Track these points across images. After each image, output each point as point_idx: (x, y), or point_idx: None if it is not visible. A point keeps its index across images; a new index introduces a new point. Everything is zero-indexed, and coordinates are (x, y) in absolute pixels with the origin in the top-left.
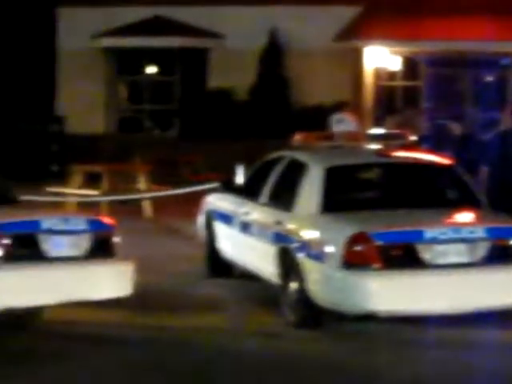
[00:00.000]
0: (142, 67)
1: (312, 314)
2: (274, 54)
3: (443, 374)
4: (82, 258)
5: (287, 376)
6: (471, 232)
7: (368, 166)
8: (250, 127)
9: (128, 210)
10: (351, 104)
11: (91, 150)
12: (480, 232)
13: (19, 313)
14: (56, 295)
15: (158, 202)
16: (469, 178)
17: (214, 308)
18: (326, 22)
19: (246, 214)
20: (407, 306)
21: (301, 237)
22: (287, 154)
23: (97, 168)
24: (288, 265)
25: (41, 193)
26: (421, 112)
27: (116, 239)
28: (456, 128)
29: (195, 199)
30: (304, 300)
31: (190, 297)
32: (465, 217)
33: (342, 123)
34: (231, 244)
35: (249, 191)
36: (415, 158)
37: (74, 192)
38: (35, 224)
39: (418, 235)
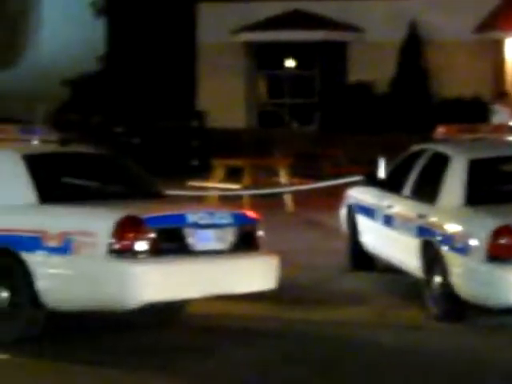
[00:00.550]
0: (282, 61)
1: (456, 308)
2: (413, 46)
3: None
4: (227, 251)
5: (428, 369)
6: None
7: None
8: (390, 120)
9: (269, 203)
10: (508, 95)
11: (231, 145)
12: None
13: (163, 307)
14: (201, 289)
15: (298, 196)
16: None
17: (356, 301)
18: (466, 14)
19: (389, 207)
20: None
21: (444, 230)
22: (430, 146)
23: (238, 162)
24: (431, 258)
25: (182, 187)
26: None
27: (260, 233)
28: None
29: (336, 193)
30: (448, 293)
31: (332, 290)
32: None
33: (498, 114)
34: (374, 237)
35: (391, 184)
36: None
37: (216, 186)
38: (181, 218)
39: None
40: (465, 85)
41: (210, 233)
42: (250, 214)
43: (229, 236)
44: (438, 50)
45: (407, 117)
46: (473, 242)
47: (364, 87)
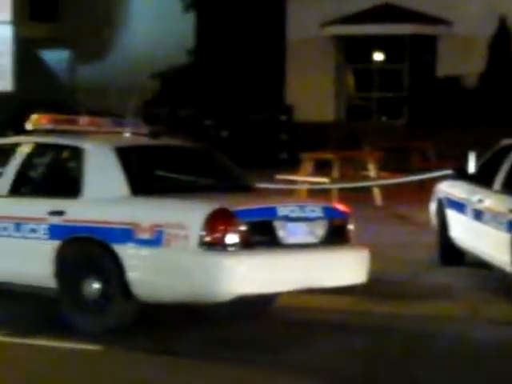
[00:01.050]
0: (371, 55)
1: None
2: (503, 41)
3: None
4: (318, 245)
5: None
6: None
7: None
8: (480, 114)
9: (357, 197)
10: None
11: (320, 138)
12: None
13: (253, 300)
14: (291, 282)
15: (387, 190)
16: None
17: (445, 296)
18: None
19: (479, 201)
20: None
21: None
22: None
23: (327, 155)
24: None
25: (271, 180)
26: None
27: (351, 226)
28: None
29: (425, 187)
30: None
31: (421, 285)
32: None
33: None
34: (463, 232)
35: (482, 178)
36: None
37: (305, 179)
38: (272, 211)
39: None
40: None
41: (301, 226)
42: (341, 207)
43: (319, 229)
44: None
45: (497, 111)
46: None
47: (453, 81)
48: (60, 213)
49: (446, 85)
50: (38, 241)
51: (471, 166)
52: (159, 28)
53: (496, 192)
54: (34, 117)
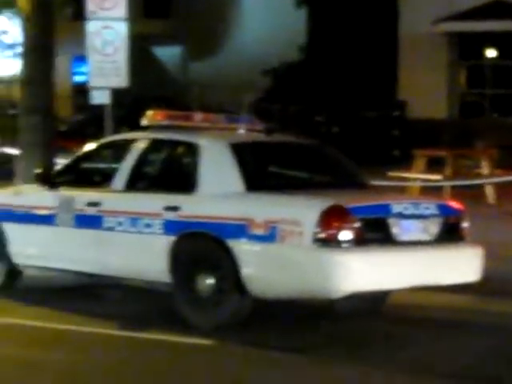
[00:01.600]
0: (484, 51)
1: None
2: None
3: None
4: (432, 242)
5: None
6: None
7: None
8: None
9: (470, 194)
10: None
11: (432, 135)
12: None
13: (367, 296)
14: (406, 280)
15: (500, 187)
16: None
17: None
18: None
19: None
20: None
21: None
22: None
23: (440, 153)
24: None
25: (383, 177)
26: None
27: (465, 224)
28: None
29: None
30: None
31: None
32: None
33: None
34: None
35: None
36: None
37: (417, 176)
38: (386, 208)
39: None
40: None
41: (415, 223)
42: (455, 204)
43: (434, 227)
44: None
45: None
46: None
47: None
48: (175, 208)
49: None
50: (153, 236)
51: None
52: (271, 24)
53: None
54: (150, 113)
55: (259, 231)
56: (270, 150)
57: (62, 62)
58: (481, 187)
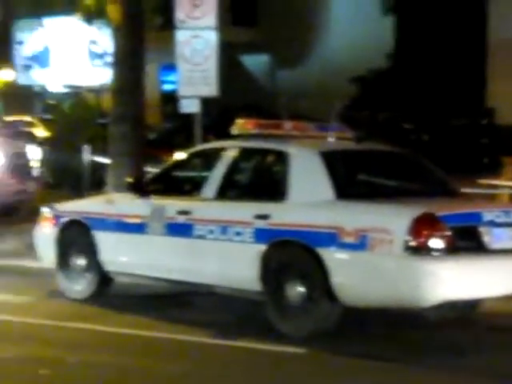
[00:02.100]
0: None
1: None
2: None
3: None
4: None
5: None
6: None
7: None
8: None
9: None
10: None
11: None
12: None
13: (457, 305)
14: (497, 288)
15: None
16: None
17: None
18: None
19: None
20: None
21: None
22: None
23: None
24: None
25: (473, 185)
26: None
27: None
28: None
29: None
30: None
31: None
32: None
33: None
34: None
35: None
36: None
37: (507, 184)
38: (477, 216)
39: None
40: None
41: (507, 231)
42: None
43: None
44: None
45: None
46: None
47: None
48: (265, 216)
49: None
50: (243, 244)
51: None
52: (358, 32)
53: None
54: (240, 122)
55: (349, 239)
56: (359, 158)
57: (150, 71)
58: None
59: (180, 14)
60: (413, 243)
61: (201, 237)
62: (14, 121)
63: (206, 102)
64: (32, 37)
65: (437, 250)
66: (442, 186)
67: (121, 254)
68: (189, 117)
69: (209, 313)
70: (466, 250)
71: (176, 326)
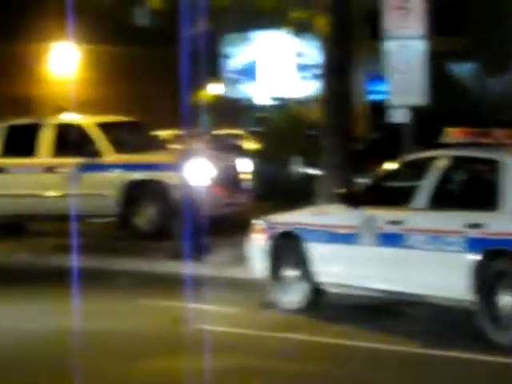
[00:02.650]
0: None
1: None
2: None
3: None
4: None
5: None
6: None
7: None
8: None
9: None
10: None
11: None
12: None
13: None
14: None
15: None
16: None
17: None
18: None
19: None
20: None
21: None
22: None
23: None
24: None
25: None
26: None
27: None
28: None
29: None
30: None
31: None
32: None
33: None
34: None
35: None
36: None
37: None
38: None
39: None
40: None
41: None
42: None
43: None
44: None
45: None
46: None
47: None
48: (478, 225)
49: None
50: (455, 253)
51: None
52: None
53: None
54: (450, 130)
55: None
56: None
57: (357, 81)
58: None
59: (388, 24)
60: None
61: (412, 246)
62: (223, 134)
63: (413, 111)
64: (240, 50)
65: None
66: None
67: (332, 265)
68: (396, 127)
69: (421, 323)
70: None
71: (384, 336)
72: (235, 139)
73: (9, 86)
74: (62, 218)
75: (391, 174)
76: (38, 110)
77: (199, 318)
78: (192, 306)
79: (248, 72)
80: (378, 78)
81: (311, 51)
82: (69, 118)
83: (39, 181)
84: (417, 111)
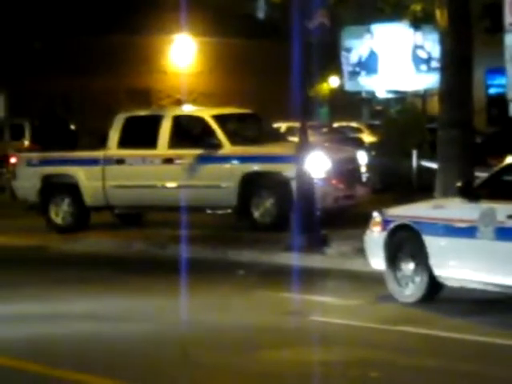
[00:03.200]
0: None
1: None
2: None
3: None
4: None
5: None
6: None
7: None
8: None
9: None
10: None
11: None
12: None
13: None
14: None
15: None
16: None
17: None
18: None
19: None
20: None
21: None
22: None
23: None
24: None
25: None
26: None
27: None
28: None
29: None
30: None
31: None
32: None
33: None
34: None
35: None
36: None
37: None
38: None
39: None
40: None
41: None
42: None
43: None
44: None
45: None
46: None
47: None
48: None
49: None
50: None
51: None
52: None
53: None
54: None
55: None
56: None
57: (476, 75)
58: None
59: (508, 17)
60: None
61: None
62: (342, 127)
63: None
64: (360, 43)
65: None
66: None
67: (449, 259)
68: None
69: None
70: None
71: (505, 331)
72: (353, 132)
73: (129, 77)
74: (180, 209)
75: (511, 168)
76: (157, 101)
77: (316, 310)
78: (309, 297)
79: (368, 65)
80: (498, 71)
81: (429, 44)
82: (187, 109)
83: (158, 172)
84: None
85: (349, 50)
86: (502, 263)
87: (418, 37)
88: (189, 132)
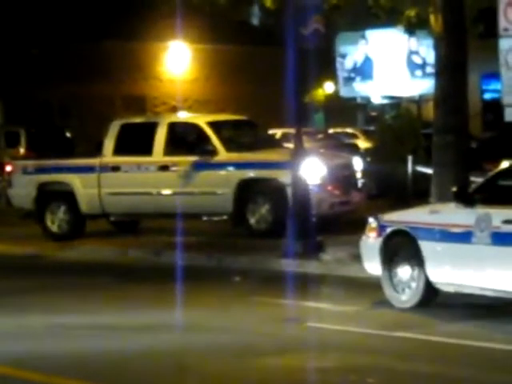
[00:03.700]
0: None
1: None
2: None
3: None
4: None
5: None
6: None
7: None
8: None
9: None
10: None
11: None
12: None
13: None
14: None
15: None
16: None
17: None
18: None
19: None
20: None
21: None
22: None
23: None
24: None
25: None
26: None
27: None
28: None
29: None
30: None
31: None
32: None
33: None
34: None
35: None
36: None
37: None
38: None
39: None
40: None
41: None
42: None
43: None
44: None
45: None
46: None
47: None
48: None
49: None
50: None
51: None
52: None
53: None
54: None
55: None
56: None
57: (471, 80)
58: None
59: (503, 21)
60: None
61: None
62: (337, 133)
63: None
64: (354, 49)
65: None
66: None
67: (445, 264)
68: (509, 125)
69: None
70: None
71: (502, 337)
72: (349, 138)
73: (124, 84)
74: (176, 216)
75: (506, 173)
76: (152, 108)
77: (312, 316)
78: (305, 304)
79: (362, 71)
80: (493, 76)
81: (424, 49)
82: (183, 116)
83: (154, 179)
84: None
85: (344, 56)
86: (498, 268)
87: (412, 42)
88: (184, 139)
